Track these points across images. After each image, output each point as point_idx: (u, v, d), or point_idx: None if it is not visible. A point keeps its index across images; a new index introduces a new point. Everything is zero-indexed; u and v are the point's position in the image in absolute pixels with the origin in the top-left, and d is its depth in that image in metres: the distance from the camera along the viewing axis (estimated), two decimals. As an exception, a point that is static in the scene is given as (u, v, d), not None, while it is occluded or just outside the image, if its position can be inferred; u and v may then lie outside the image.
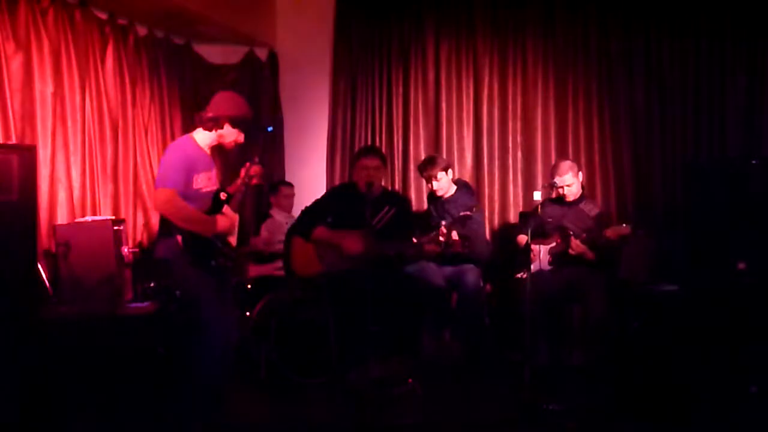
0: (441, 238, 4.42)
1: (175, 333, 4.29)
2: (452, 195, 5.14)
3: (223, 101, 3.50)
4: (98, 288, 4.29)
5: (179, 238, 3.33)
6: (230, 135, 3.50)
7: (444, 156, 5.89)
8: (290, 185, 5.82)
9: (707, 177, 5.29)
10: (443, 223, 4.62)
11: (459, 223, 4.61)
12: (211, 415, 3.44)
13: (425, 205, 5.76)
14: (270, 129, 3.75)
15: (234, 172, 3.72)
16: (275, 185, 5.82)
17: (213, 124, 3.45)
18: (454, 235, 4.44)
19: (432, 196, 5.24)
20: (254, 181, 3.62)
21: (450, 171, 5.16)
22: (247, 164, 3.60)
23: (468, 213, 4.65)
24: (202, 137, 3.49)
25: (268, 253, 5.38)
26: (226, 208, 3.49)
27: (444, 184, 5.10)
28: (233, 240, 3.57)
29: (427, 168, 5.11)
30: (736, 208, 4.84)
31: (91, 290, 4.27)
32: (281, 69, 6.39)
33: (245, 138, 3.57)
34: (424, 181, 5.91)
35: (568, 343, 4.88)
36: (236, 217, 3.55)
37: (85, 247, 4.33)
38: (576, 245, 4.68)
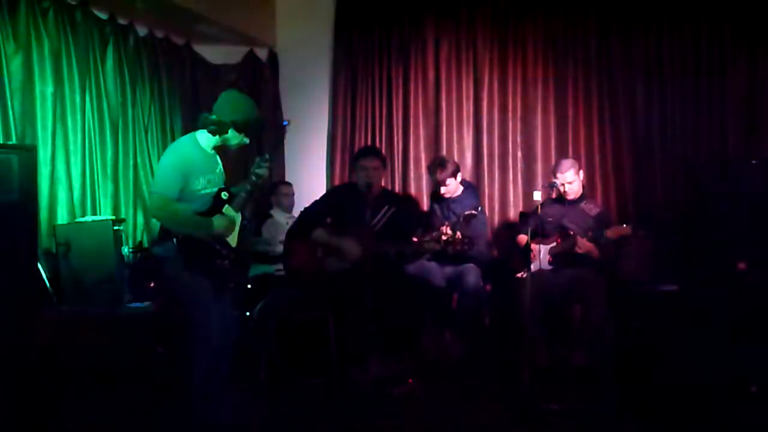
0: (444, 237, 4.43)
1: (175, 333, 4.30)
2: (458, 195, 5.15)
3: (227, 104, 3.42)
4: (98, 288, 4.29)
5: (175, 240, 3.31)
6: (235, 138, 3.44)
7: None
8: (289, 184, 5.81)
9: (707, 177, 5.29)
10: (447, 222, 4.62)
11: (463, 222, 4.60)
12: (210, 415, 3.44)
13: (426, 205, 5.76)
14: (286, 123, 3.69)
15: (234, 169, 3.68)
16: (274, 185, 5.82)
17: (217, 129, 3.39)
18: (457, 233, 4.44)
19: (436, 195, 5.24)
20: (261, 178, 3.55)
21: (459, 175, 5.16)
22: (257, 160, 3.54)
23: (473, 212, 4.64)
24: (205, 139, 3.43)
25: (270, 254, 5.37)
26: (226, 208, 3.46)
27: (452, 187, 5.11)
28: (232, 241, 3.54)
29: (439, 171, 5.10)
30: (736, 208, 4.84)
31: (91, 290, 4.28)
32: (281, 69, 6.40)
33: (251, 139, 3.52)
34: (424, 181, 5.93)
35: (568, 343, 4.88)
36: (237, 216, 3.51)
37: (85, 247, 4.34)
38: (582, 243, 4.67)
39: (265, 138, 5.94)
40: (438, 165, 5.17)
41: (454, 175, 5.09)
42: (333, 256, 4.61)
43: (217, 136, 3.41)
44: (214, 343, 3.37)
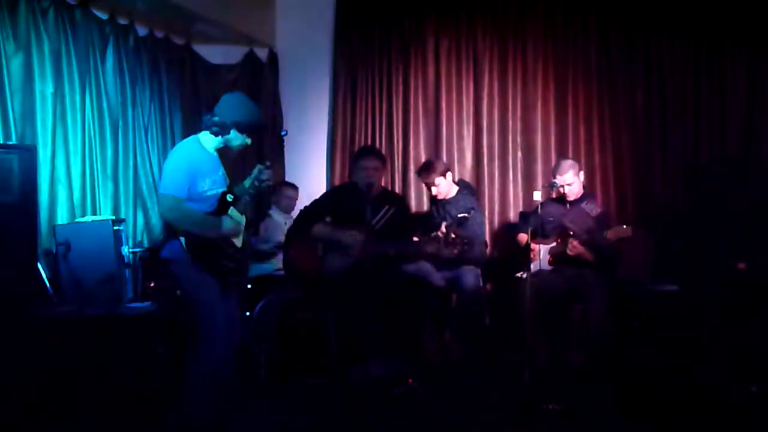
0: (442, 236, 4.43)
1: (175, 333, 4.30)
2: (453, 196, 5.14)
3: (229, 105, 3.43)
4: (98, 288, 4.29)
5: (182, 239, 3.32)
6: (237, 139, 3.45)
7: (444, 156, 5.90)
8: (295, 188, 5.72)
9: (707, 177, 5.29)
10: (444, 224, 4.62)
11: (456, 225, 4.59)
12: (211, 415, 3.44)
13: (426, 206, 5.76)
14: (284, 133, 3.75)
15: (236, 172, 3.69)
16: (279, 185, 5.79)
17: (219, 130, 3.40)
18: (452, 234, 4.45)
19: (434, 197, 5.24)
20: (264, 183, 3.56)
21: (449, 174, 5.15)
22: (258, 167, 3.56)
23: (465, 215, 4.64)
24: (208, 140, 3.44)
25: (266, 252, 5.37)
26: (231, 210, 3.47)
27: (443, 188, 5.09)
28: (238, 242, 3.54)
29: (424, 174, 5.12)
30: (736, 208, 4.84)
31: (91, 290, 4.28)
32: (281, 69, 6.40)
33: (252, 140, 3.54)
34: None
35: (568, 343, 4.88)
36: (242, 219, 3.52)
37: (85, 247, 4.33)
38: (573, 246, 4.69)
39: (266, 142, 5.94)
40: (424, 168, 5.17)
41: (443, 174, 5.07)
42: (334, 252, 4.60)
43: (220, 137, 3.42)
44: (220, 343, 3.37)
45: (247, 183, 3.55)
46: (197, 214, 3.34)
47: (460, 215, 4.66)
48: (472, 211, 4.92)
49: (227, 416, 3.58)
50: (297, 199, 5.70)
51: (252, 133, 3.48)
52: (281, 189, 5.69)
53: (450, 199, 5.13)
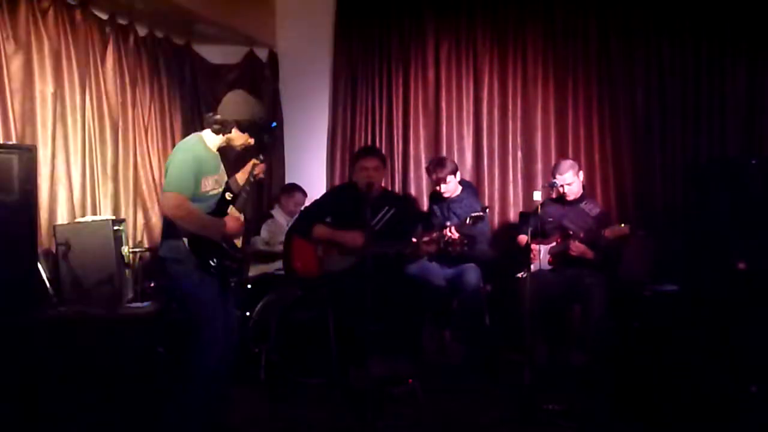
0: (449, 236, 4.42)
1: (175, 333, 4.30)
2: (458, 195, 5.14)
3: (231, 104, 3.42)
4: (98, 288, 4.29)
5: (185, 240, 3.30)
6: (239, 139, 3.42)
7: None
8: (304, 195, 5.69)
9: (707, 177, 5.29)
10: (448, 223, 4.62)
11: (470, 223, 4.58)
12: (210, 415, 3.44)
13: (425, 205, 5.76)
14: (273, 125, 3.75)
15: (234, 169, 3.68)
16: (290, 188, 5.77)
17: (220, 128, 3.38)
18: (456, 233, 4.46)
19: (436, 196, 5.24)
20: (258, 177, 3.56)
21: (458, 173, 5.16)
22: (252, 162, 3.56)
23: (480, 213, 4.64)
24: (211, 139, 3.42)
25: (269, 253, 5.37)
26: (231, 208, 3.46)
27: (452, 186, 5.10)
28: (238, 241, 3.54)
29: (437, 170, 5.10)
30: (736, 208, 4.85)
31: (91, 290, 4.28)
32: (281, 69, 6.40)
33: (256, 139, 3.52)
34: (424, 181, 5.93)
35: (568, 343, 4.88)
36: (241, 217, 3.51)
37: (85, 247, 4.34)
38: (575, 247, 4.70)
39: (266, 138, 5.93)
40: (436, 164, 5.17)
41: (453, 173, 5.09)
42: (334, 253, 4.60)
43: (221, 136, 3.41)
44: (220, 343, 3.37)
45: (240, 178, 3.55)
46: (201, 214, 3.33)
47: (475, 214, 4.65)
48: (486, 209, 4.94)
49: (227, 416, 3.58)
50: (304, 205, 5.68)
51: (254, 132, 3.46)
52: (292, 193, 5.64)
53: (455, 198, 5.13)
